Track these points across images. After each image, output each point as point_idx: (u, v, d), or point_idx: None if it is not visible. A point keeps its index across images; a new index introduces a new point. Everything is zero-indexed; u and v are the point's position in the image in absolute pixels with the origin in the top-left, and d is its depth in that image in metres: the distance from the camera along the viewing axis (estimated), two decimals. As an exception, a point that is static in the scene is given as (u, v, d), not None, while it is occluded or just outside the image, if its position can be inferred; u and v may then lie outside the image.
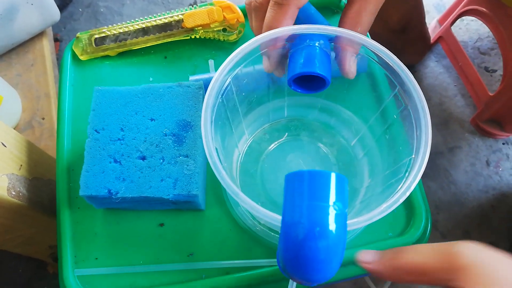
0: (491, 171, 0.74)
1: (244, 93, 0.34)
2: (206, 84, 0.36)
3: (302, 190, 0.20)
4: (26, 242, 0.49)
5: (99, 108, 0.36)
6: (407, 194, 0.24)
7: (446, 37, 0.83)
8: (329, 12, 0.44)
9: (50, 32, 0.80)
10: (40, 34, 0.76)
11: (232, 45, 0.44)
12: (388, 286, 0.65)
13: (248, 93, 0.34)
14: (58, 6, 0.76)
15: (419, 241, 0.35)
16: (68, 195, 0.37)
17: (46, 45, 0.75)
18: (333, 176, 0.20)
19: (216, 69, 0.34)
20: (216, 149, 0.27)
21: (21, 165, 0.43)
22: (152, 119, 0.35)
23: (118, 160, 0.34)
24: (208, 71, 0.41)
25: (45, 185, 0.47)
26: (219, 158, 0.27)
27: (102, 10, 0.97)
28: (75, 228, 0.36)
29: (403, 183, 0.25)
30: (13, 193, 0.40)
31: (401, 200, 0.24)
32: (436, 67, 0.85)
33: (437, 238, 0.70)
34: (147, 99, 0.36)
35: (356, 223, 0.23)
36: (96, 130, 0.35)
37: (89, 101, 0.37)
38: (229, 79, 0.30)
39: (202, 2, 0.96)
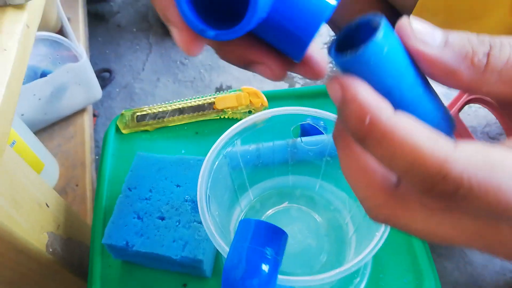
0: (506, 254, 0.73)
1: (249, 156, 0.38)
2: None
3: (246, 234, 0.24)
4: (50, 302, 0.51)
5: (136, 170, 0.41)
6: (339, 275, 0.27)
7: (455, 123, 0.88)
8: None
9: (90, 109, 0.89)
10: (81, 110, 0.84)
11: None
12: None
13: (253, 157, 0.39)
14: (100, 86, 0.86)
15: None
16: (101, 251, 0.40)
17: (87, 120, 0.83)
18: (275, 228, 0.24)
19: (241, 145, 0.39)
20: (209, 196, 0.31)
21: (59, 225, 0.47)
22: (178, 185, 0.40)
23: (141, 217, 0.38)
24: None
25: (76, 246, 0.50)
26: (208, 204, 0.31)
27: (137, 91, 1.08)
28: (104, 284, 0.39)
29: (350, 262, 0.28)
30: (51, 250, 0.43)
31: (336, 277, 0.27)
32: (446, 151, 0.89)
33: (456, 324, 0.68)
34: (178, 168, 0.41)
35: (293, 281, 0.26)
36: (129, 188, 0.40)
37: (126, 169, 0.42)
38: (238, 141, 0.35)
39: (227, 86, 1.06)
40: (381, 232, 0.28)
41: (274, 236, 0.23)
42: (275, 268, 0.23)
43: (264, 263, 0.22)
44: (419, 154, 0.13)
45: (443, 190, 0.13)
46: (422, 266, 0.37)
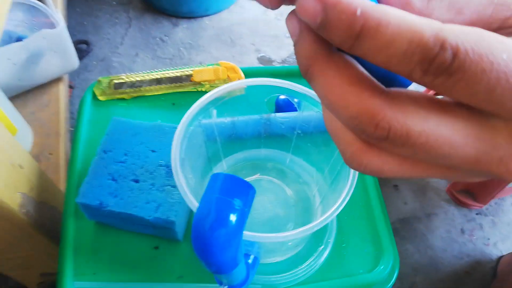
0: (465, 238, 0.78)
1: (224, 126, 0.40)
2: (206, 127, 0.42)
3: (216, 186, 0.25)
4: (22, 265, 0.52)
5: (112, 134, 0.41)
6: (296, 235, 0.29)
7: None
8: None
9: (66, 79, 0.87)
10: (57, 79, 0.83)
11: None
12: None
13: (228, 129, 0.40)
14: (77, 56, 0.84)
15: (388, 279, 0.39)
16: (75, 212, 0.41)
17: (62, 90, 0.82)
18: (243, 182, 0.26)
19: (217, 117, 0.40)
20: (184, 159, 0.32)
21: (32, 188, 0.47)
22: (153, 150, 0.41)
23: (115, 179, 0.39)
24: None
25: (48, 210, 0.51)
26: (182, 165, 0.32)
27: (114, 64, 1.07)
28: (77, 244, 0.40)
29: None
30: (23, 211, 0.44)
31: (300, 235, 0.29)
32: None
33: (413, 300, 0.72)
34: (154, 134, 0.42)
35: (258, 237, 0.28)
36: (104, 151, 0.40)
37: (102, 134, 0.43)
38: (214, 110, 0.36)
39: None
40: (343, 196, 0.30)
41: (242, 189, 0.25)
42: (242, 219, 0.25)
43: (232, 213, 0.24)
44: (415, 29, 0.13)
45: (442, 62, 0.13)
46: (382, 237, 0.40)
